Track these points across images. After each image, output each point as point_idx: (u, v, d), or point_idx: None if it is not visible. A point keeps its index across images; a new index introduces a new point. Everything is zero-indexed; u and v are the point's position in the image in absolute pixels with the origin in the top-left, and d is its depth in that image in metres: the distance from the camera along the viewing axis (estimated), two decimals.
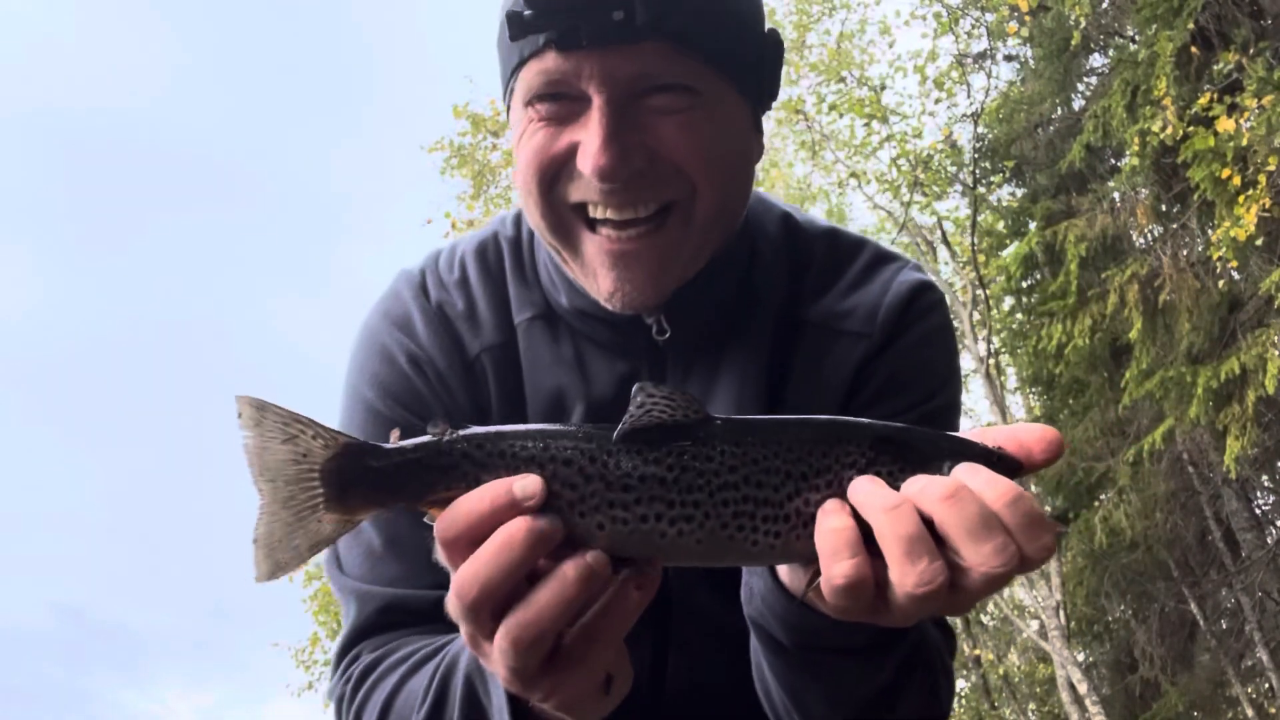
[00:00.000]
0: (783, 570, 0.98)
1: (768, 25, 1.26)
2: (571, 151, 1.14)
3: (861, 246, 1.40)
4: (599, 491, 0.83)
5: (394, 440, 0.86)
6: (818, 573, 0.84)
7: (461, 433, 0.85)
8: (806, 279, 1.35)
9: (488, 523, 0.81)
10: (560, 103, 1.13)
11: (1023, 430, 0.87)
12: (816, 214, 1.54)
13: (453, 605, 0.84)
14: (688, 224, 1.17)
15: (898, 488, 0.83)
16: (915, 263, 1.41)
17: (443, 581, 1.21)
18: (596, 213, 1.16)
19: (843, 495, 0.84)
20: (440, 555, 0.85)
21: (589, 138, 1.11)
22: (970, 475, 0.81)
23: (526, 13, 1.07)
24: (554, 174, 1.16)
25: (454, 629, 1.08)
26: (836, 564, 0.80)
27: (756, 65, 1.23)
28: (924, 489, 0.81)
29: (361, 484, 0.85)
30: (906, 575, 0.79)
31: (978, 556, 0.78)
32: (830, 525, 0.82)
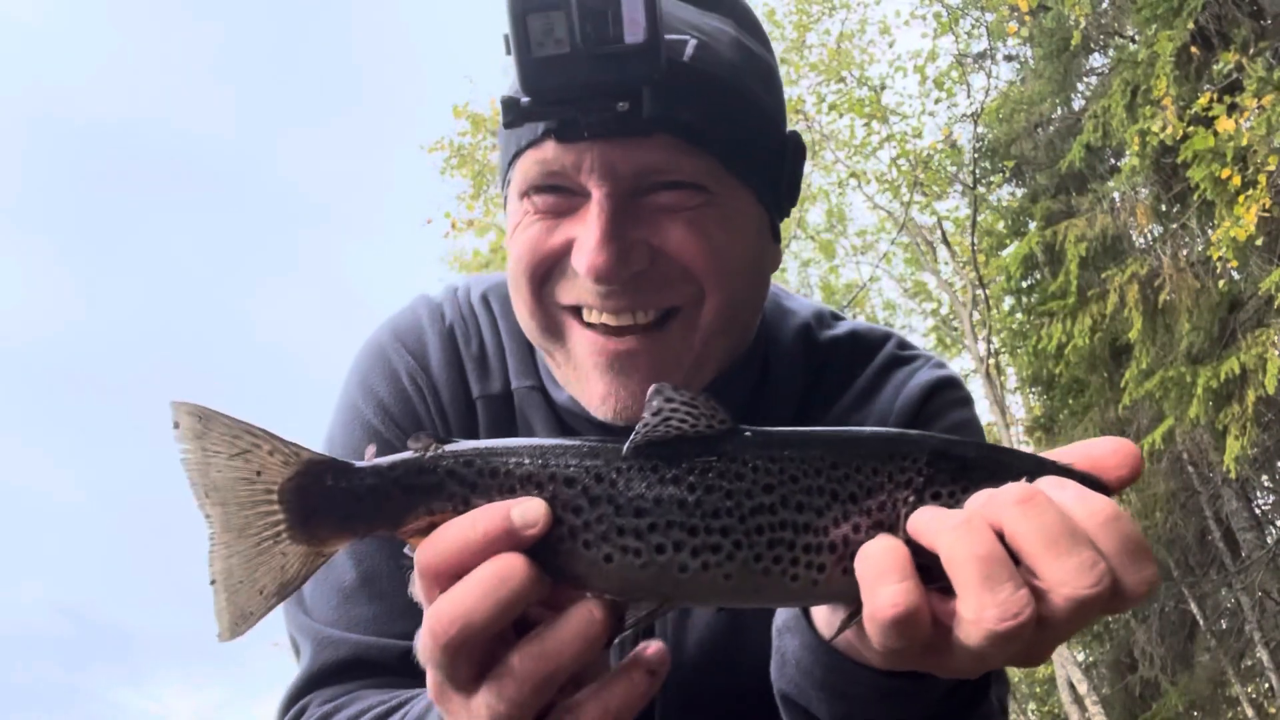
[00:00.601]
0: (823, 624, 0.83)
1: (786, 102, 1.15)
2: (566, 248, 1.05)
3: (879, 347, 1.29)
4: (607, 517, 0.70)
5: (369, 457, 0.74)
6: (858, 609, 0.69)
7: (447, 448, 0.73)
8: (819, 390, 1.25)
9: (478, 553, 0.69)
10: (558, 195, 1.05)
11: (1094, 446, 0.73)
12: (859, 320, 1.34)
13: (424, 645, 0.71)
14: (691, 330, 1.07)
15: None
16: (937, 359, 1.30)
17: (412, 631, 1.02)
18: (591, 317, 1.06)
19: (897, 522, 0.70)
20: (417, 589, 0.73)
21: (585, 234, 1.01)
22: (1054, 487, 0.68)
23: (524, 99, 0.96)
24: (546, 271, 1.07)
25: (419, 684, 0.93)
26: (881, 589, 0.66)
27: (775, 167, 1.13)
28: (993, 497, 0.68)
29: (330, 508, 0.73)
30: (985, 606, 0.64)
31: (1059, 573, 0.63)
32: (873, 548, 0.68)
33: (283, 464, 0.73)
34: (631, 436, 0.72)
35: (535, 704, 0.72)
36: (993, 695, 0.96)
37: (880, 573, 0.66)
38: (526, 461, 0.72)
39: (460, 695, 0.73)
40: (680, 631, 1.19)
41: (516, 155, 1.07)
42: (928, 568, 0.68)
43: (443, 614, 0.69)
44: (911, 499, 0.71)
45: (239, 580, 0.73)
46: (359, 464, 0.74)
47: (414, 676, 1.04)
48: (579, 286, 1.05)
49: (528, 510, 0.70)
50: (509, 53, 0.94)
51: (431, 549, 0.71)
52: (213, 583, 0.73)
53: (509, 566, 0.69)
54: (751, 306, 1.15)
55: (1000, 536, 0.66)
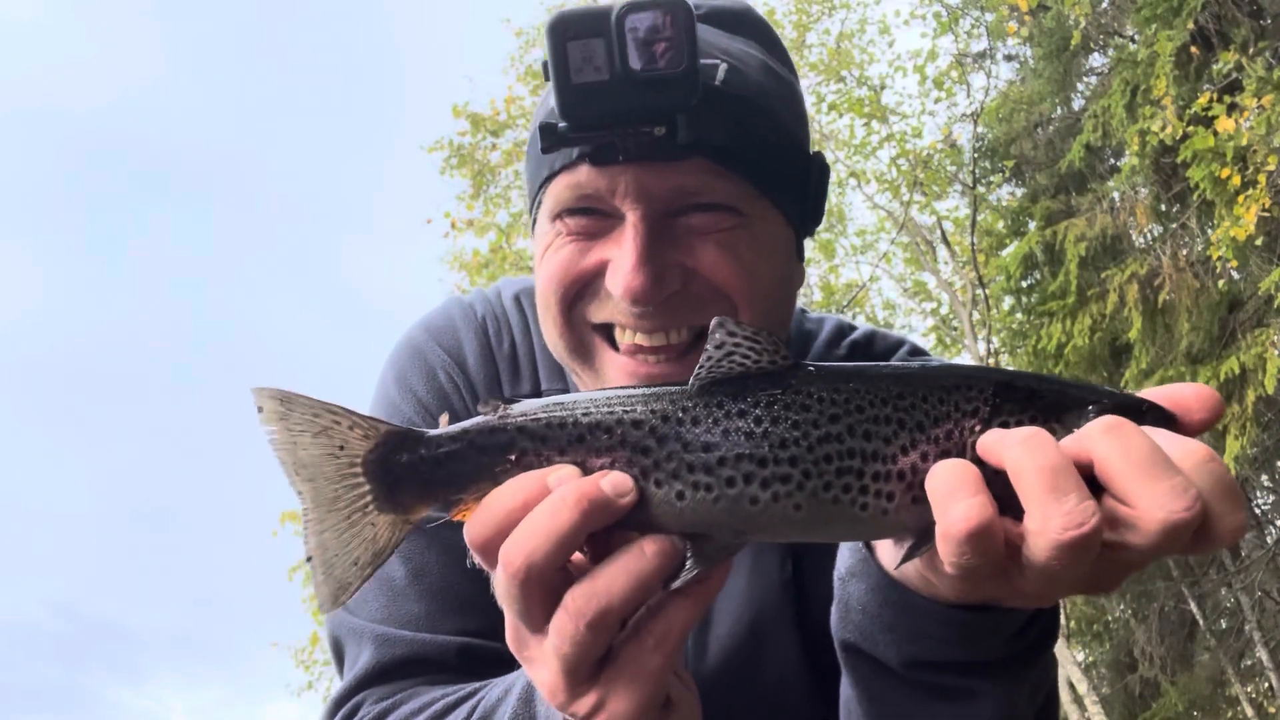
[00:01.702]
0: (892, 564, 0.82)
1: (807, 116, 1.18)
2: (600, 269, 1.06)
3: (895, 349, 1.33)
4: (676, 454, 0.71)
5: (443, 425, 0.77)
6: (924, 538, 0.70)
7: (514, 407, 0.75)
8: None
9: (574, 534, 0.71)
10: (591, 218, 1.06)
11: (1177, 389, 0.73)
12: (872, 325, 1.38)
13: (498, 585, 0.74)
14: None
15: None
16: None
17: (467, 628, 1.10)
18: (624, 337, 1.08)
19: (964, 451, 0.71)
20: (477, 553, 0.75)
21: (622, 256, 1.03)
22: (1147, 428, 0.67)
23: (561, 125, 0.98)
24: (578, 291, 1.08)
25: (473, 679, 0.99)
26: (954, 505, 0.66)
27: (801, 188, 1.15)
28: (1080, 434, 0.68)
29: (412, 476, 0.75)
30: (1051, 516, 0.64)
31: (1152, 496, 0.63)
32: (943, 468, 0.69)
33: (363, 437, 0.75)
34: (695, 371, 0.74)
35: (594, 642, 0.73)
36: (1052, 654, 0.94)
37: (952, 489, 0.66)
38: (593, 410, 0.74)
39: (535, 638, 0.76)
40: (701, 645, 1.19)
41: (549, 179, 1.07)
42: (999, 499, 0.67)
43: (509, 548, 0.71)
44: (978, 428, 0.71)
45: (334, 554, 0.75)
46: (433, 431, 0.76)
47: (470, 674, 1.08)
48: (612, 307, 1.07)
49: (617, 480, 0.71)
50: (548, 79, 0.96)
51: (495, 504, 0.73)
52: (309, 559, 0.76)
53: (568, 495, 0.70)
54: (780, 323, 1.17)
55: (1087, 468, 0.66)
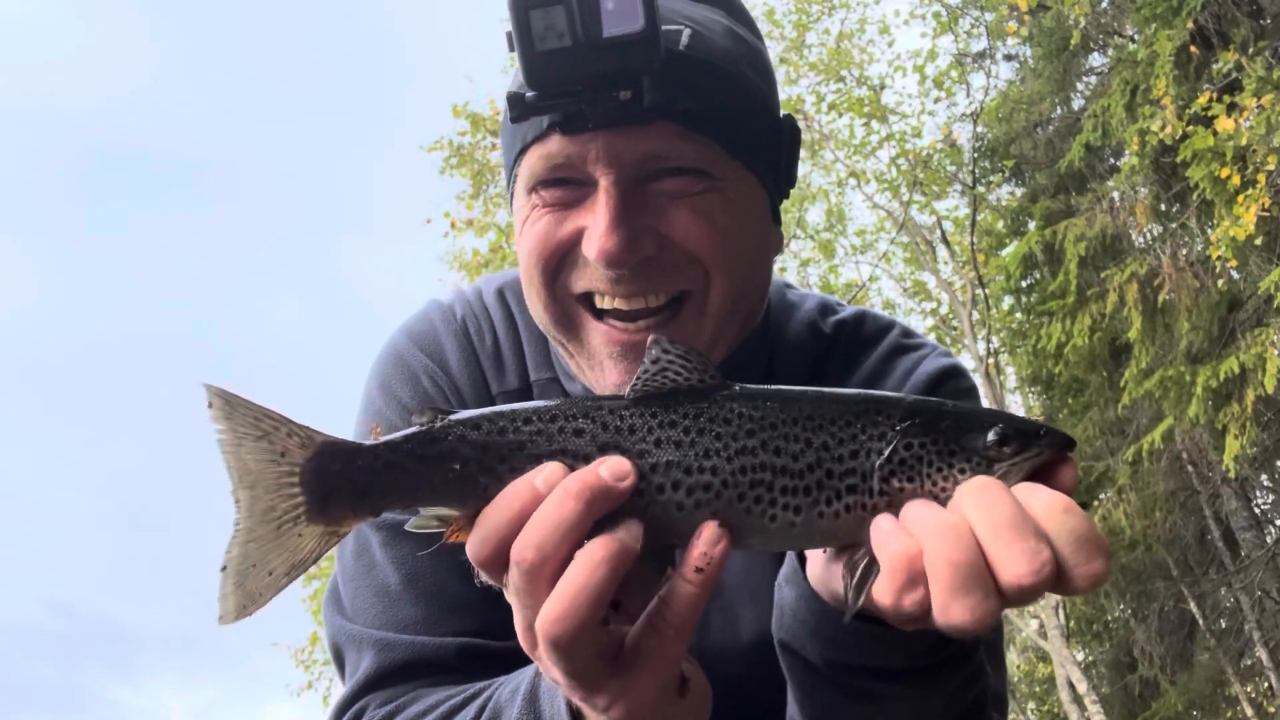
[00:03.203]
0: (816, 579, 0.89)
1: (779, 80, 1.21)
2: (577, 238, 1.07)
3: (885, 333, 1.32)
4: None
5: (374, 437, 0.77)
6: (865, 574, 0.76)
7: (453, 417, 0.76)
8: (826, 373, 1.28)
9: (579, 526, 0.73)
10: (565, 188, 1.07)
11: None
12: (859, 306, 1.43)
13: (513, 586, 0.76)
14: (702, 315, 1.10)
15: (933, 465, 0.76)
16: (943, 348, 1.33)
17: (465, 628, 1.13)
18: (604, 303, 1.09)
19: (869, 470, 0.76)
20: (484, 568, 0.76)
21: (595, 221, 1.04)
22: (1014, 480, 0.75)
23: (529, 94, 0.99)
24: (558, 262, 1.10)
25: (474, 678, 1.02)
26: (909, 593, 0.73)
27: (772, 150, 1.17)
28: (957, 493, 0.75)
29: (347, 487, 0.75)
30: (950, 607, 0.71)
31: (1004, 562, 0.70)
32: (882, 518, 0.75)
33: (300, 446, 0.76)
34: (631, 383, 0.78)
35: (590, 622, 0.73)
36: (982, 658, 0.99)
37: (910, 575, 0.73)
38: (534, 418, 0.76)
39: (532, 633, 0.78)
40: (704, 623, 1.21)
41: (522, 152, 1.09)
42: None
43: (522, 547, 0.73)
44: (884, 450, 0.76)
45: (252, 564, 0.75)
46: (370, 442, 0.76)
47: (471, 673, 1.10)
48: (590, 273, 1.08)
49: (615, 466, 0.74)
50: (512, 49, 0.98)
51: (500, 508, 0.74)
52: (223, 568, 0.75)
53: (569, 489, 0.73)
54: (757, 287, 1.18)
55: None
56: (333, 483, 0.76)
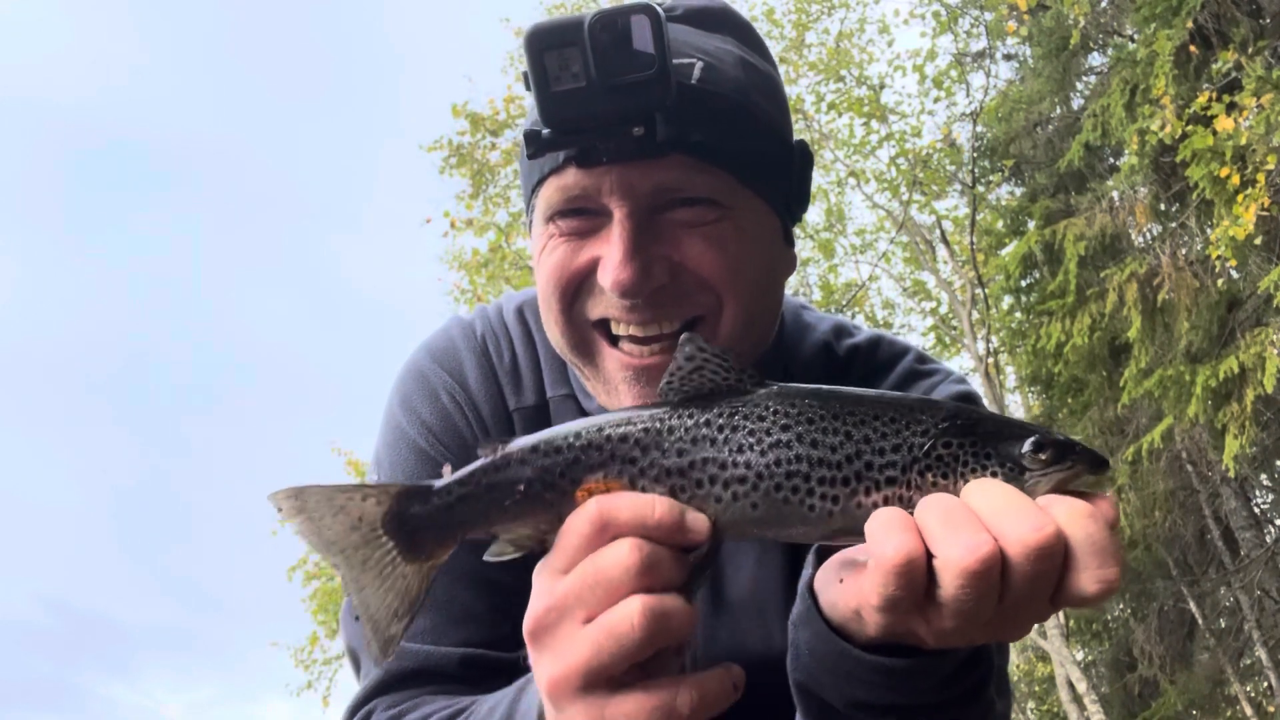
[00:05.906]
0: (830, 604, 0.90)
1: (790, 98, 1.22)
2: (592, 267, 1.11)
3: (900, 358, 1.35)
4: (656, 461, 0.81)
5: (446, 475, 0.85)
6: None
7: (511, 445, 0.84)
8: None
9: (643, 530, 0.78)
10: (581, 218, 1.11)
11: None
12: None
13: (572, 536, 0.81)
14: (714, 338, 1.13)
15: (967, 464, 0.78)
16: (957, 374, 1.35)
17: (470, 639, 1.19)
18: (619, 329, 1.13)
19: (909, 463, 0.79)
20: (567, 549, 0.81)
21: (610, 252, 1.08)
22: (1053, 497, 0.76)
23: (545, 131, 1.03)
24: (575, 289, 1.13)
25: (477, 690, 1.08)
26: (888, 540, 0.75)
27: (784, 176, 1.19)
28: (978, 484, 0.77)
29: (429, 525, 0.83)
30: (952, 547, 0.73)
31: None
32: (881, 512, 0.78)
33: (376, 504, 0.83)
34: (665, 379, 0.84)
35: (555, 616, 0.80)
36: (993, 693, 0.99)
37: (887, 527, 0.76)
38: (583, 432, 0.83)
39: (572, 621, 0.81)
40: (711, 630, 1.24)
41: (540, 183, 1.12)
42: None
43: (609, 507, 0.80)
44: (926, 446, 0.79)
45: (376, 609, 0.84)
46: (440, 482, 0.84)
47: (472, 682, 1.17)
48: (606, 301, 1.12)
49: (698, 521, 0.79)
50: (529, 89, 1.01)
51: (609, 504, 0.80)
52: (357, 618, 0.84)
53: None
54: (768, 310, 1.21)
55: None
56: (414, 524, 0.83)
